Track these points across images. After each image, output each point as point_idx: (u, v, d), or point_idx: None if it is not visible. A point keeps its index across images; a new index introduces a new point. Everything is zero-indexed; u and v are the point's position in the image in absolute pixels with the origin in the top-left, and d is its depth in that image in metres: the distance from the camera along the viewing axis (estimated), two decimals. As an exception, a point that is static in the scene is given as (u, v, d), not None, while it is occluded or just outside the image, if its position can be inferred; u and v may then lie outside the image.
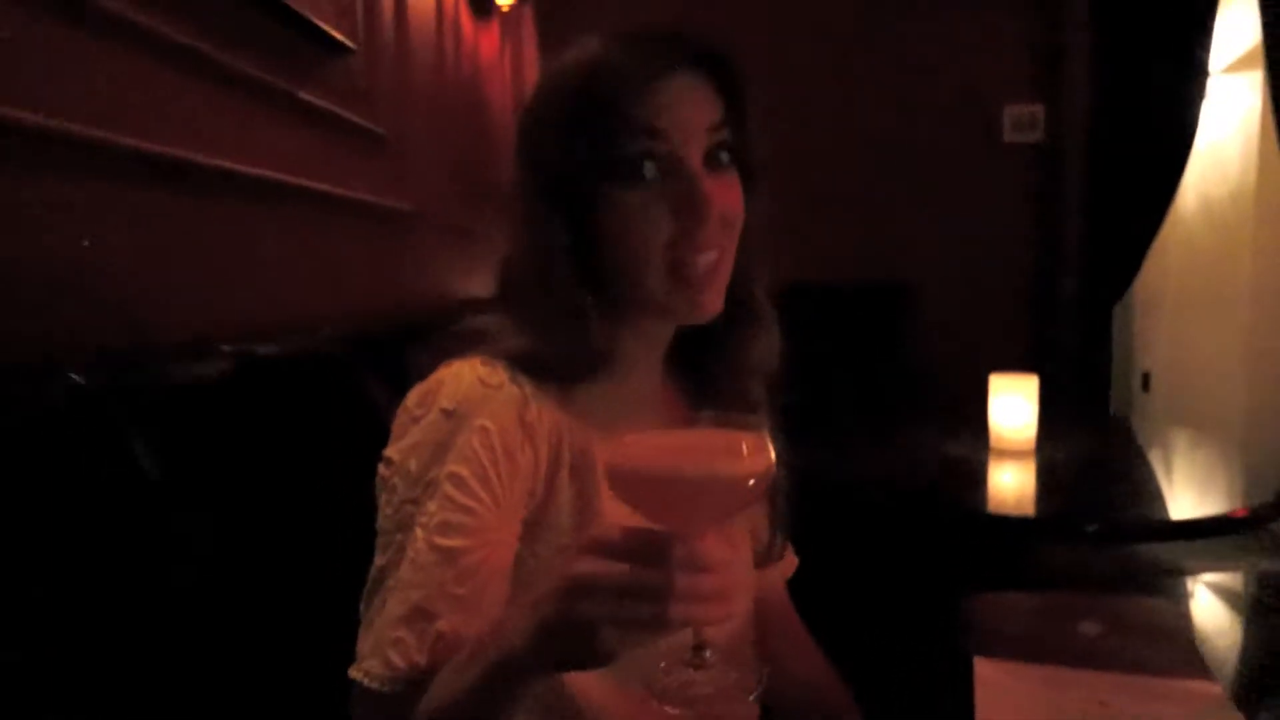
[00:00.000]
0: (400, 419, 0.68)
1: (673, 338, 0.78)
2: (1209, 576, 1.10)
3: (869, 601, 1.32)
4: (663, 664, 0.54)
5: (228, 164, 1.15)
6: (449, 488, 0.63)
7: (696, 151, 0.68)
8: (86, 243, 0.94)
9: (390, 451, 0.67)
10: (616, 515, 0.64)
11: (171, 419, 0.80)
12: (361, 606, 0.66)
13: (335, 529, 0.90)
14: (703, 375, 0.80)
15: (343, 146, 1.57)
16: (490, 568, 0.64)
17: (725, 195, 0.70)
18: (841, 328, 2.60)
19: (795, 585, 0.94)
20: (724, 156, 0.71)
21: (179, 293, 1.06)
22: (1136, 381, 3.94)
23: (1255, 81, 3.10)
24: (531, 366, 0.69)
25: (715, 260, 0.70)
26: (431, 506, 0.63)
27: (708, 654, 0.53)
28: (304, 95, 1.39)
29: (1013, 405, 1.79)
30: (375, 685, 0.61)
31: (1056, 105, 2.95)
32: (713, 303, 0.71)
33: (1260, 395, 3.25)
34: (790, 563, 0.93)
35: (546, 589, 0.52)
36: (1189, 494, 1.78)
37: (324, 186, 1.44)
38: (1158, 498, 1.72)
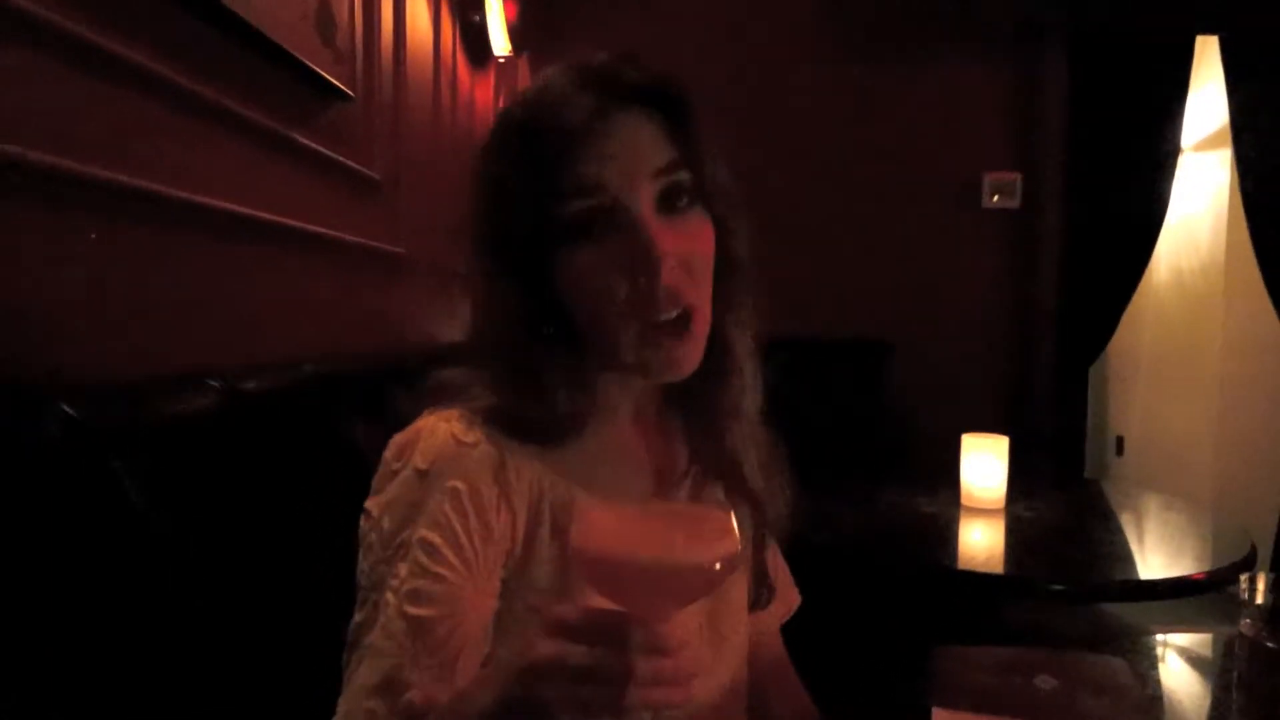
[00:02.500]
0: (381, 470, 0.67)
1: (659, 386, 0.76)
2: (1172, 637, 1.13)
3: (838, 651, 1.33)
4: None
5: (221, 203, 1.18)
6: (419, 554, 0.62)
7: (645, 198, 0.64)
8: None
9: (370, 504, 0.66)
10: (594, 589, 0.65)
11: (159, 452, 0.81)
12: (344, 658, 0.65)
13: (317, 566, 0.92)
14: (692, 416, 0.77)
15: (337, 190, 1.61)
16: (462, 636, 0.63)
17: (683, 240, 0.66)
18: (819, 383, 2.64)
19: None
20: (683, 200, 0.66)
21: (169, 328, 1.08)
22: (1111, 445, 4.01)
23: (1225, 159, 3.23)
24: (509, 426, 0.67)
25: (686, 311, 0.66)
26: (403, 571, 0.62)
27: None
28: (301, 139, 1.43)
29: (984, 464, 1.83)
30: None
31: (1034, 174, 3.05)
32: (689, 358, 0.67)
33: (1228, 462, 3.31)
34: (790, 602, 0.92)
35: (506, 667, 0.51)
36: (1158, 557, 1.81)
37: (317, 228, 1.48)
38: (1126, 559, 1.75)
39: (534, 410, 0.67)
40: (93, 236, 0.95)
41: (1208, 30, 2.92)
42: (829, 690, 0.95)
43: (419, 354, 1.58)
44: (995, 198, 3.06)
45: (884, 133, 3.09)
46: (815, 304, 2.93)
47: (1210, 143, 3.38)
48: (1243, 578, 0.73)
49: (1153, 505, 2.18)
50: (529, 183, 0.64)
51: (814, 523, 1.69)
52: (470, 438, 0.65)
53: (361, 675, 0.61)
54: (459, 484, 0.64)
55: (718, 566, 0.50)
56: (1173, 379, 3.65)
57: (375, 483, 0.68)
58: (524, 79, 2.96)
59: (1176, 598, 1.43)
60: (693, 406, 0.77)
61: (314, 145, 1.47)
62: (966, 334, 3.09)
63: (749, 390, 0.76)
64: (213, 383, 0.96)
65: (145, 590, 0.74)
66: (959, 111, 3.09)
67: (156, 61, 1.04)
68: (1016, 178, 3.05)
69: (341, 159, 1.59)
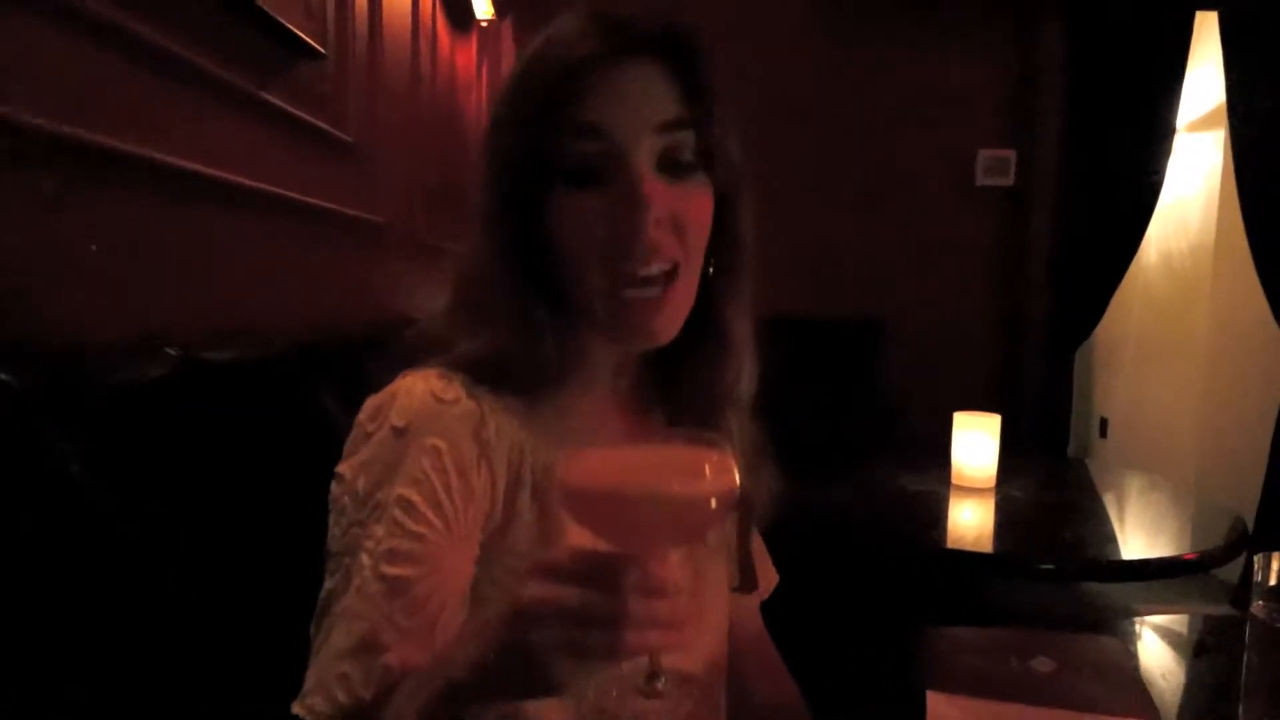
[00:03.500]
0: (354, 433, 0.65)
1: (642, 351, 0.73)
2: (1155, 618, 1.10)
3: (826, 630, 1.31)
4: (615, 692, 0.52)
5: (181, 161, 1.12)
6: (397, 512, 0.60)
7: (646, 150, 0.63)
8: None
9: (342, 468, 0.64)
10: (582, 539, 0.60)
11: (106, 423, 0.76)
12: (311, 629, 0.62)
13: (282, 543, 0.87)
14: (675, 393, 0.75)
15: (307, 153, 1.55)
16: (441, 597, 0.60)
17: (678, 200, 0.64)
18: (811, 361, 2.61)
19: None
20: (684, 160, 0.64)
21: (124, 293, 1.02)
22: (1095, 427, 4.01)
23: (1218, 139, 3.20)
24: (491, 376, 0.65)
25: (663, 276, 0.64)
26: (379, 531, 0.60)
27: (662, 682, 0.50)
28: (267, 97, 1.36)
29: (975, 443, 1.80)
30: None
31: (1028, 152, 3.01)
32: (663, 328, 0.65)
33: (1211, 445, 3.31)
34: (769, 580, 0.90)
35: (494, 615, 0.49)
36: (1141, 537, 1.79)
37: (286, 192, 1.41)
38: (1111, 539, 1.73)
39: (516, 352, 0.65)
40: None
41: (1207, 5, 2.88)
42: (815, 671, 0.92)
43: (394, 324, 1.53)
44: (989, 175, 3.03)
45: (877, 109, 3.05)
46: (806, 281, 2.89)
47: (1203, 123, 3.34)
48: (1256, 558, 0.69)
49: (1141, 486, 2.17)
50: (531, 120, 0.63)
51: (803, 502, 1.66)
52: (449, 395, 0.63)
53: (334, 640, 0.58)
54: (439, 441, 0.61)
55: (713, 504, 0.48)
56: (1159, 361, 3.65)
57: (348, 446, 0.65)
58: (508, 45, 2.88)
59: (1169, 577, 1.41)
60: (684, 388, 0.74)
61: (282, 104, 1.41)
62: (958, 313, 3.06)
63: (745, 376, 0.73)
64: (170, 351, 0.90)
65: (87, 571, 0.69)
66: (953, 88, 3.04)
67: (112, 10, 0.97)
68: (1011, 155, 3.01)
69: (312, 120, 1.52)
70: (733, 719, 0.81)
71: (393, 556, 0.59)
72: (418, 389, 0.64)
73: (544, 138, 0.63)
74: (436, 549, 0.60)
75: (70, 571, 0.68)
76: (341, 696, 0.57)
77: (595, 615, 0.44)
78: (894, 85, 3.05)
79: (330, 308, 1.59)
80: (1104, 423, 3.93)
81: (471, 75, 2.68)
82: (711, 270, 0.70)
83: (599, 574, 0.45)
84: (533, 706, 0.63)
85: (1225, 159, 3.09)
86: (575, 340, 0.69)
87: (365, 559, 0.59)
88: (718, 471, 0.48)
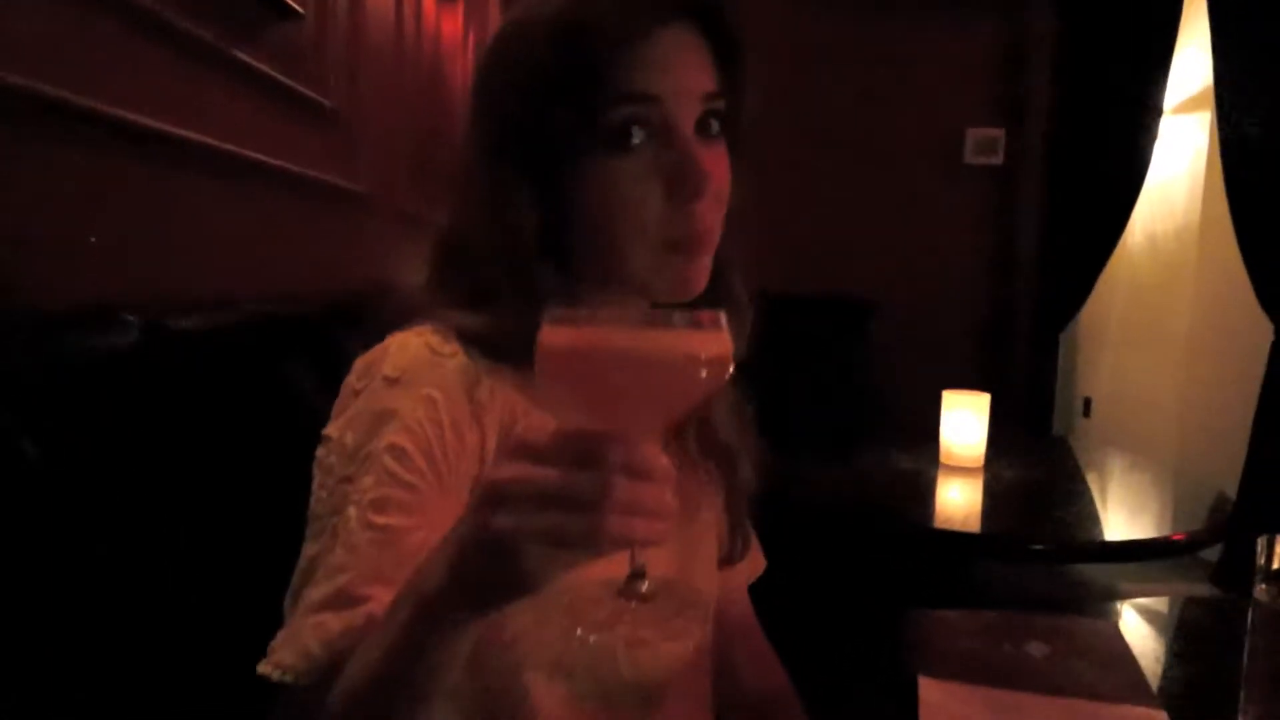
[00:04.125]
0: (342, 395, 0.62)
1: None
2: (1139, 600, 1.09)
3: (815, 615, 1.29)
4: (593, 593, 0.47)
5: (148, 120, 1.07)
6: (389, 460, 0.56)
7: (689, 118, 0.62)
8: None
9: (329, 429, 0.61)
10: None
11: (59, 396, 0.72)
12: (286, 602, 0.58)
13: (253, 522, 0.83)
14: None
15: (285, 117, 1.49)
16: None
17: (718, 167, 0.64)
18: (799, 339, 2.59)
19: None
20: (715, 125, 0.64)
21: (86, 258, 0.97)
22: (1078, 406, 4.03)
23: (1204, 122, 3.19)
24: (485, 342, 0.62)
25: (707, 239, 0.64)
26: (368, 481, 0.56)
27: (645, 585, 0.46)
28: (242, 56, 1.30)
29: (964, 422, 1.78)
30: (289, 679, 0.52)
31: (1017, 131, 2.99)
32: (699, 280, 0.65)
33: (1193, 424, 3.34)
34: (756, 565, 0.88)
35: (467, 505, 0.45)
36: (1130, 518, 1.79)
37: (260, 156, 1.36)
38: (1099, 520, 1.73)
39: (517, 327, 0.60)
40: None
41: (1198, -15, 2.85)
42: (805, 657, 0.90)
43: (375, 298, 1.48)
44: (978, 154, 3.00)
45: (867, 86, 3.01)
46: (793, 259, 2.86)
47: (1189, 105, 3.33)
48: (1259, 540, 0.67)
49: (1127, 466, 2.17)
50: (565, 83, 0.59)
51: (791, 481, 1.64)
52: (446, 349, 0.61)
53: (311, 594, 0.55)
54: (434, 392, 0.59)
55: (704, 373, 0.43)
56: (1142, 342, 3.66)
57: (336, 407, 0.62)
58: (494, 14, 2.80)
59: (1160, 559, 1.41)
60: None
61: (257, 64, 1.35)
62: (945, 291, 3.05)
63: (742, 336, 0.71)
64: (130, 318, 0.85)
65: (41, 556, 0.65)
66: (943, 65, 3.01)
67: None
68: (1000, 134, 2.99)
69: (289, 82, 1.46)
70: (721, 708, 0.78)
71: (383, 504, 0.55)
72: (412, 343, 0.61)
73: (581, 104, 0.60)
74: (429, 500, 0.56)
75: (23, 556, 0.64)
76: (315, 648, 0.53)
77: (576, 496, 0.40)
78: (884, 62, 3.01)
79: (307, 278, 1.55)
80: (1087, 402, 3.95)
81: (458, 44, 2.61)
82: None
83: (579, 452, 0.41)
84: (536, 696, 0.60)
85: (1211, 141, 3.08)
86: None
87: (352, 511, 0.56)
88: (710, 337, 0.44)
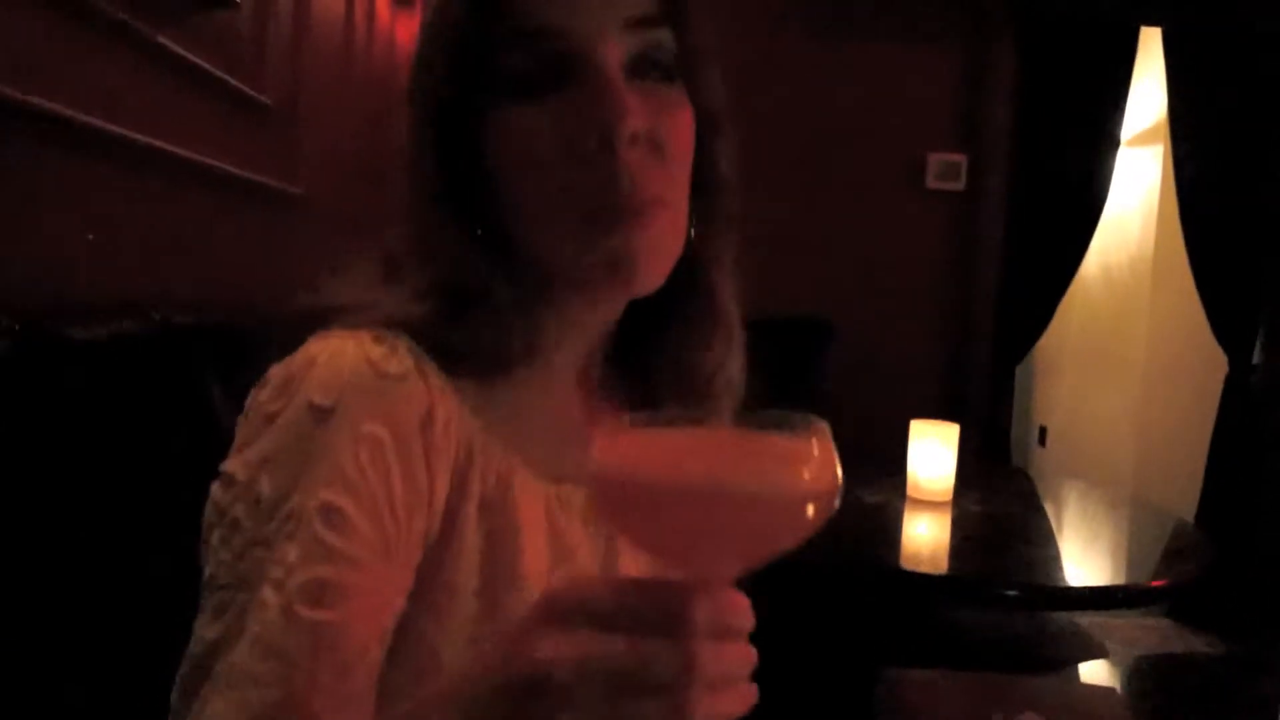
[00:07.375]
0: (249, 417, 0.48)
1: (611, 333, 0.59)
2: (1128, 649, 1.03)
3: (781, 663, 1.20)
4: None
5: (60, 108, 0.95)
6: (320, 527, 0.43)
7: (613, 53, 0.49)
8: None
9: (232, 465, 0.46)
10: (540, 580, 0.49)
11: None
12: (173, 697, 0.43)
13: (146, 565, 0.72)
14: (649, 386, 0.61)
15: (213, 110, 1.37)
16: (379, 651, 0.44)
17: (655, 113, 0.50)
18: (757, 362, 2.52)
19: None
20: (659, 65, 0.51)
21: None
22: (1034, 436, 4.04)
23: (1158, 154, 3.23)
24: (439, 347, 0.50)
25: (645, 205, 0.49)
26: (292, 554, 0.42)
27: None
28: (168, 44, 1.19)
29: (933, 453, 1.72)
30: None
31: (979, 157, 2.99)
32: (645, 265, 0.50)
33: (1148, 454, 3.36)
34: None
35: (484, 687, 0.33)
36: (1105, 560, 1.72)
37: (184, 152, 1.24)
38: (1076, 563, 1.66)
39: (456, 332, 0.50)
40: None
41: (1152, 21, 2.89)
42: (772, 713, 0.81)
43: (311, 310, 1.36)
44: (940, 179, 2.98)
45: (829, 109, 2.98)
46: (755, 280, 2.80)
47: (1144, 138, 3.38)
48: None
49: (1095, 500, 2.13)
50: (464, 23, 0.50)
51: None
52: (393, 366, 0.47)
53: (215, 703, 0.40)
54: (379, 429, 0.45)
55: (810, 510, 0.34)
56: (1097, 371, 3.68)
57: (241, 432, 0.48)
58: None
59: (1143, 606, 1.35)
60: (667, 372, 0.59)
61: (184, 53, 1.23)
62: (905, 317, 3.02)
63: (736, 355, 0.61)
64: (6, 322, 0.74)
65: None
66: (905, 90, 3.00)
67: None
68: (962, 159, 2.98)
69: (220, 74, 1.34)
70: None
71: (315, 592, 0.41)
72: (348, 354, 0.47)
73: (479, 43, 0.49)
74: (372, 579, 0.44)
75: None
76: None
77: (655, 677, 0.31)
78: (845, 85, 2.99)
79: (234, 284, 1.42)
80: (1043, 431, 3.96)
81: (412, 50, 2.51)
82: (695, 222, 0.57)
83: (657, 610, 0.32)
84: None
85: (1165, 173, 3.11)
86: (539, 314, 0.54)
87: (270, 594, 0.42)
88: (820, 464, 0.35)
